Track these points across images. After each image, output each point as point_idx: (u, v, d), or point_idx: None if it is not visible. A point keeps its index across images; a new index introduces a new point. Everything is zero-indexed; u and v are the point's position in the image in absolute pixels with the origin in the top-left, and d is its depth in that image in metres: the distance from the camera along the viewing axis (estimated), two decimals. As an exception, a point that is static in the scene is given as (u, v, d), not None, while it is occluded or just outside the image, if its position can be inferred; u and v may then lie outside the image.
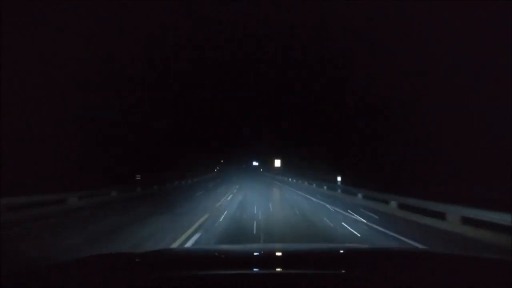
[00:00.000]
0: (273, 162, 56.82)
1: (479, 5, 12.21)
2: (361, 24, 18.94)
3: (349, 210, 9.27)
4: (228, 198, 13.15)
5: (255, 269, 1.37)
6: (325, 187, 17.62)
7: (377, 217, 8.18)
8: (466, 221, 6.30)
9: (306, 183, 23.13)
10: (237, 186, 20.88)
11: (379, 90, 20.03)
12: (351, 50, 22.08)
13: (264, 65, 53.41)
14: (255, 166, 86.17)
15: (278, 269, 1.36)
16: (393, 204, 9.34)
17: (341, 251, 2.01)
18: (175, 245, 5.08)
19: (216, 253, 1.92)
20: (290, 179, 30.09)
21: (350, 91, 25.25)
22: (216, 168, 74.84)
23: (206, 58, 37.14)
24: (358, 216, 8.20)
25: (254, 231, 6.27)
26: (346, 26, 20.08)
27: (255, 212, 8.92)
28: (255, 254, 1.89)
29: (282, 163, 54.88)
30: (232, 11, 23.56)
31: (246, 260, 1.64)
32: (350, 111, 25.66)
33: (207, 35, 28.81)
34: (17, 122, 12.40)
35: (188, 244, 5.13)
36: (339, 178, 16.28)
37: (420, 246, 5.18)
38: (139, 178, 17.03)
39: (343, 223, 7.13)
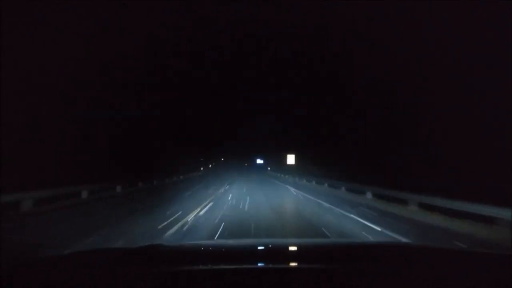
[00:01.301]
0: (284, 159, 45.63)
1: (479, 5, 12.20)
2: (361, 24, 18.93)
3: None
4: None
5: (259, 264, 1.37)
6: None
7: None
8: None
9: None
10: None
11: (379, 90, 20.03)
12: (351, 50, 22.07)
13: (264, 65, 53.36)
14: (260, 164, 72.12)
15: (286, 264, 1.36)
16: None
17: (343, 246, 2.02)
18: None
19: (216, 248, 1.91)
20: (346, 193, 14.99)
21: (350, 91, 25.25)
22: (206, 166, 63.33)
23: (206, 58, 37.10)
24: None
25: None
26: (346, 26, 20.07)
27: None
28: (259, 248, 1.89)
29: (296, 159, 43.74)
30: (232, 11, 23.54)
31: (250, 254, 1.64)
32: (350, 111, 25.65)
33: (207, 35, 28.78)
34: (14, 121, 12.41)
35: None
36: None
37: None
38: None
39: None
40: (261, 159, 74.09)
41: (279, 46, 34.79)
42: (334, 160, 26.23)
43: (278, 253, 1.69)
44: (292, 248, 1.85)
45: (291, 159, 44.45)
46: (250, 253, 1.67)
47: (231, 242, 2.88)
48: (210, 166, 70.21)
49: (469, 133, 13.16)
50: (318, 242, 2.38)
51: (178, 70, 30.25)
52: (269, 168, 56.92)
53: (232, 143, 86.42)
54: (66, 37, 14.53)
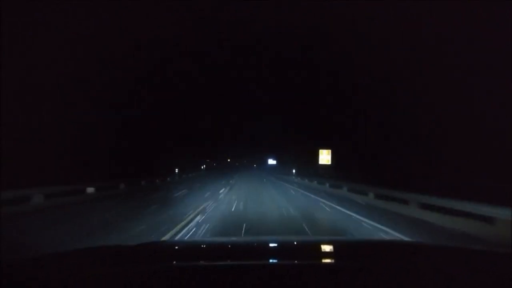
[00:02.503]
0: (313, 157, 30.49)
1: (479, 5, 12.20)
2: (361, 24, 18.94)
3: None
4: None
5: (271, 260, 1.36)
6: None
7: None
8: None
9: None
10: None
11: (379, 90, 20.05)
12: (351, 50, 22.08)
13: (263, 64, 53.40)
14: (272, 165, 58.71)
15: (291, 261, 1.36)
16: None
17: (350, 244, 2.03)
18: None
19: (219, 245, 1.91)
20: None
21: (350, 92, 25.28)
22: (199, 169, 47.89)
23: (206, 58, 37.16)
24: None
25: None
26: (346, 26, 20.08)
27: None
28: (270, 245, 1.89)
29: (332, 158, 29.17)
30: (232, 11, 23.56)
31: (253, 251, 1.64)
32: (350, 111, 25.67)
33: (207, 35, 28.81)
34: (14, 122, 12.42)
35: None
36: None
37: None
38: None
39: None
40: (273, 159, 60.45)
41: (279, 46, 34.83)
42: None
43: (281, 250, 1.68)
44: (298, 246, 1.84)
45: (324, 156, 29.42)
46: (253, 250, 1.66)
47: (233, 239, 2.87)
48: (202, 167, 54.77)
49: (469, 133, 13.15)
50: (324, 239, 2.39)
51: (178, 70, 30.28)
52: (294, 171, 33.40)
53: (238, 143, 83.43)
54: (66, 37, 14.54)
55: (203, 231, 6.43)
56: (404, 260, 1.38)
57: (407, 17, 15.33)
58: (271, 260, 1.36)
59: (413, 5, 14.78)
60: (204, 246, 1.83)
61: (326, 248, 1.76)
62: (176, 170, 30.88)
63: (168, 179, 24.23)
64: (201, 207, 9.56)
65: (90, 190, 12.38)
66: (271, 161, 61.14)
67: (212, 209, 9.38)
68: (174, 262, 1.28)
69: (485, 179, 10.71)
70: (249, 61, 45.65)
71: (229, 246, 1.83)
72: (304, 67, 35.79)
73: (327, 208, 10.33)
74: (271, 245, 1.90)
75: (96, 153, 17.76)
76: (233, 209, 9.64)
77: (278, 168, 52.11)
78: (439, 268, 1.21)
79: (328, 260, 1.35)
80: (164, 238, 5.48)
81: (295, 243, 1.95)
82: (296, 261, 1.31)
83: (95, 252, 1.47)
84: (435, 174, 14.02)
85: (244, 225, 6.83)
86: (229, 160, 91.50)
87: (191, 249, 1.66)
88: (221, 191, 15.87)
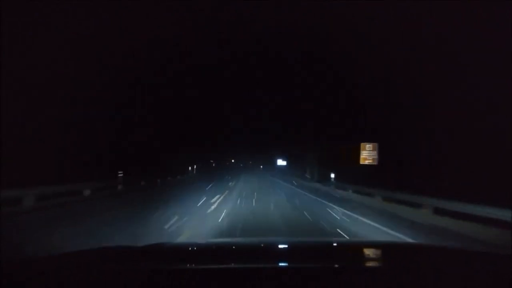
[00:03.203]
0: (349, 156, 21.64)
1: (479, 5, 12.19)
2: (361, 24, 18.93)
3: None
4: None
5: (275, 263, 1.36)
6: None
7: None
8: None
9: None
10: None
11: (379, 89, 20.04)
12: (351, 50, 22.06)
13: (263, 65, 53.30)
14: (282, 166, 52.39)
15: (295, 263, 1.36)
16: None
17: (345, 245, 2.03)
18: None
19: (223, 247, 1.90)
20: None
21: (350, 92, 25.26)
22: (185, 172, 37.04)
23: (206, 57, 37.09)
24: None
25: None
26: (346, 26, 20.07)
27: None
28: (275, 247, 1.89)
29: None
30: (232, 11, 23.54)
31: (254, 253, 1.63)
32: (350, 111, 25.64)
33: (207, 35, 28.78)
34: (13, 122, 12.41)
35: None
36: None
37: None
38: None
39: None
40: (283, 159, 52.57)
41: (279, 46, 34.75)
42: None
43: (285, 252, 1.68)
44: (301, 247, 1.84)
45: (369, 153, 19.54)
46: (257, 252, 1.65)
47: (237, 240, 2.85)
48: (192, 168, 42.95)
49: (469, 133, 13.15)
50: (325, 241, 2.39)
51: (178, 70, 30.24)
52: (332, 177, 21.63)
53: (241, 143, 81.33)
54: (66, 37, 14.53)
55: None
56: (405, 261, 1.38)
57: (407, 17, 15.32)
58: (275, 263, 1.36)
59: (413, 5, 14.77)
60: (210, 248, 1.82)
61: (328, 249, 1.75)
62: (120, 174, 16.90)
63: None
64: None
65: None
66: (281, 162, 52.89)
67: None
68: (178, 264, 1.27)
69: (485, 179, 10.70)
70: (249, 61, 45.52)
71: (234, 247, 1.82)
72: (304, 67, 35.71)
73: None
74: (275, 247, 1.89)
75: (96, 153, 17.75)
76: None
77: (289, 169, 45.42)
78: (439, 269, 1.21)
79: (329, 261, 1.35)
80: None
81: (299, 244, 1.94)
82: (299, 263, 1.31)
83: (96, 253, 1.46)
84: (435, 174, 14.01)
85: None
86: (233, 160, 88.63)
87: (196, 251, 1.65)
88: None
